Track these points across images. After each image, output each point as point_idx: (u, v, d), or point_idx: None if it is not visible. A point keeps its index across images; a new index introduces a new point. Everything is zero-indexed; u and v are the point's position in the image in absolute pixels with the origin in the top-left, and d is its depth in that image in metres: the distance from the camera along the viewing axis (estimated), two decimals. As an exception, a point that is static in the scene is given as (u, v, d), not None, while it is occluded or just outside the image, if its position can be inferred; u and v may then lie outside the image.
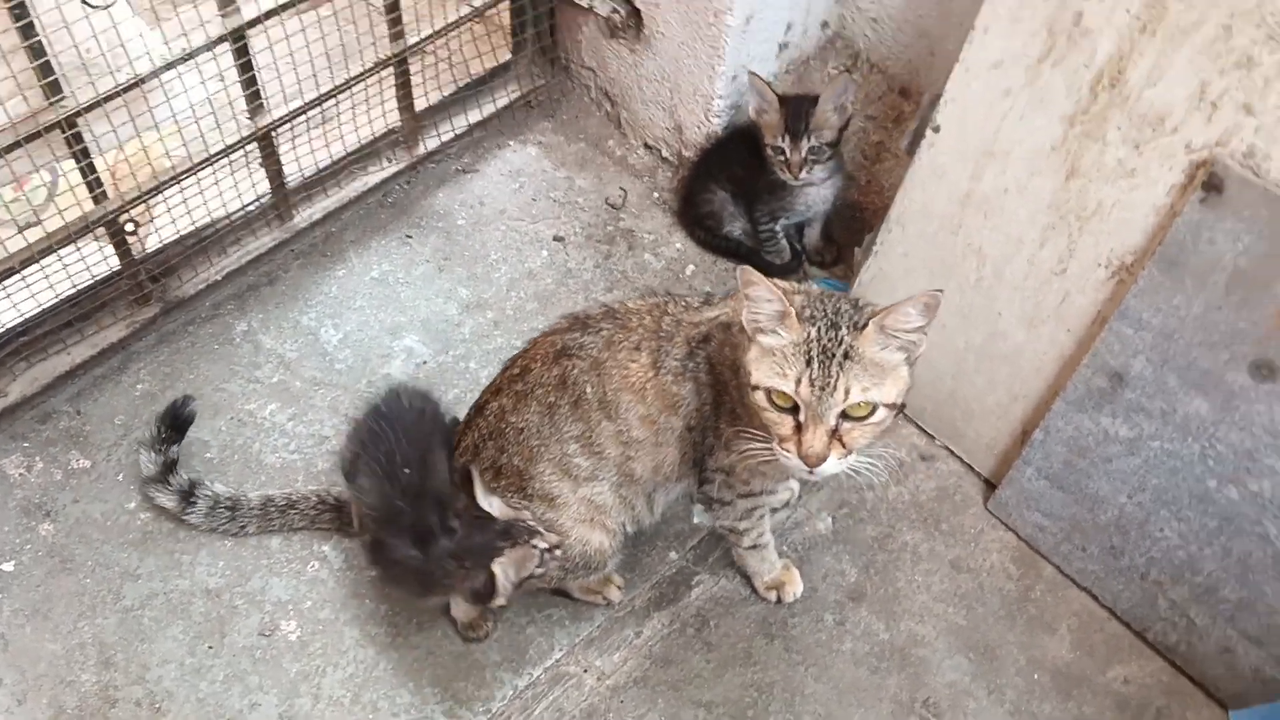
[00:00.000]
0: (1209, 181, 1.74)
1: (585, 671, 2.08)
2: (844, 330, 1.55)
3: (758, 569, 2.13)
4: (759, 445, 1.67)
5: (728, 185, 2.53)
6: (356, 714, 2.01)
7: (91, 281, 2.24)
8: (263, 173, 2.39)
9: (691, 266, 2.62)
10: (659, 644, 2.11)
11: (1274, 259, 1.71)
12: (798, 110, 2.31)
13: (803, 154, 2.36)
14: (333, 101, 2.36)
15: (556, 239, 2.64)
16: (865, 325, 1.55)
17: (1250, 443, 1.85)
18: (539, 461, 1.87)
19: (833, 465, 1.60)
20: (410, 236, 2.64)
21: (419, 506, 1.85)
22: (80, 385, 2.36)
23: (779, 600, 2.15)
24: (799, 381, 1.56)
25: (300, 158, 2.43)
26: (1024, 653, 2.12)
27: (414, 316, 2.51)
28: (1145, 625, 2.12)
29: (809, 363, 1.55)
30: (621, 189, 2.74)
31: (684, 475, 1.91)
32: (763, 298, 1.55)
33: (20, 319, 2.18)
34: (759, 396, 1.60)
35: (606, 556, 1.97)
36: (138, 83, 2.00)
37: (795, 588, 2.15)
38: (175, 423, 2.13)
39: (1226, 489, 1.91)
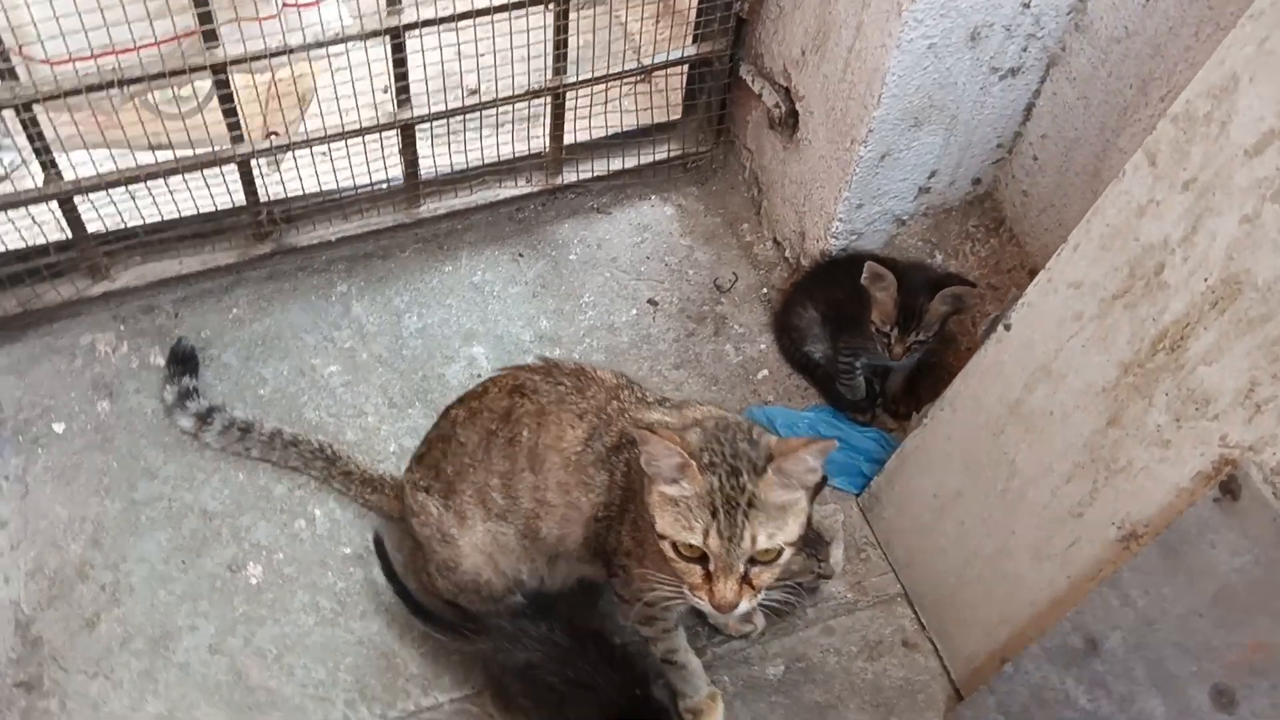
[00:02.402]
0: (1227, 483, 1.58)
1: (490, 716, 2.13)
2: (745, 477, 1.55)
3: (680, 688, 2.09)
4: (669, 589, 1.68)
5: (822, 306, 2.49)
6: (272, 670, 2.14)
7: (215, 210, 2.46)
8: (399, 158, 2.54)
9: (765, 371, 2.59)
10: (566, 717, 2.13)
11: (1261, 589, 1.54)
12: (911, 305, 2.25)
13: (906, 345, 2.31)
14: (476, 114, 2.48)
15: (650, 302, 2.68)
16: (765, 471, 1.54)
17: (1195, 769, 1.68)
18: (464, 480, 1.93)
19: (743, 607, 1.60)
20: (522, 255, 2.74)
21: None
22: (187, 293, 2.60)
23: None
24: (706, 534, 1.55)
25: (438, 155, 2.56)
26: None
27: (491, 330, 2.61)
28: None
29: (714, 514, 1.54)
30: (734, 274, 2.74)
31: (587, 560, 1.92)
32: (661, 454, 1.55)
33: (142, 221, 2.42)
34: (665, 546, 1.61)
35: (494, 593, 2.01)
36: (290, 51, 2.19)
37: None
38: (179, 358, 2.35)
39: (1161, 805, 1.74)
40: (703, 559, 1.58)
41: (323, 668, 2.15)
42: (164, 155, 2.29)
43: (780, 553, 1.58)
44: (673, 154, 2.85)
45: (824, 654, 2.23)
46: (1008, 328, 2.00)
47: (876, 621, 2.28)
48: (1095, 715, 1.84)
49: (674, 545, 1.59)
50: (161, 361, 2.48)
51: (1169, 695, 1.71)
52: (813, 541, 2.19)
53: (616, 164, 2.78)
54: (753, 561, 1.57)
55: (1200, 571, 1.64)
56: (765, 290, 2.73)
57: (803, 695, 2.18)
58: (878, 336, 2.33)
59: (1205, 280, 1.61)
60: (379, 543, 2.12)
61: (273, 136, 2.51)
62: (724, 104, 2.78)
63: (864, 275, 2.29)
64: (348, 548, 2.28)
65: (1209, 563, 1.62)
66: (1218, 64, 1.50)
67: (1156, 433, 1.72)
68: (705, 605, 1.61)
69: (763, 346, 2.63)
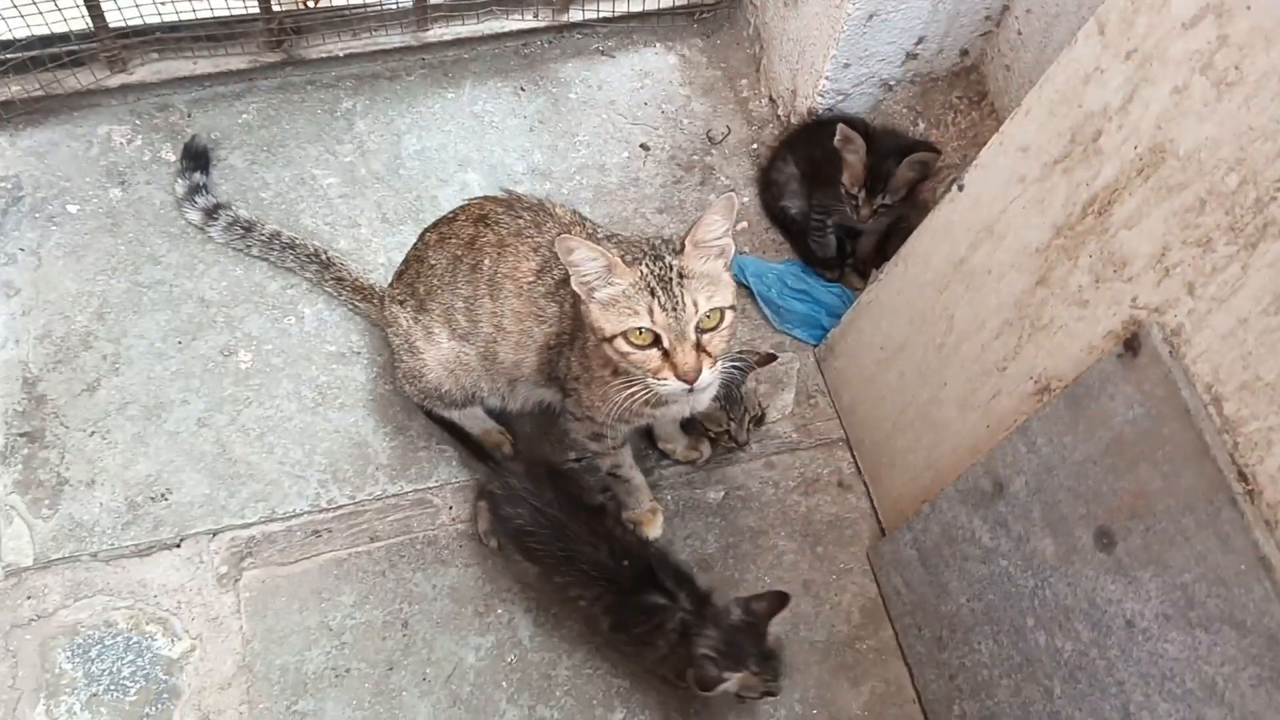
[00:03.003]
0: (1130, 341, 1.70)
1: (448, 509, 2.32)
2: (668, 257, 1.70)
3: (622, 498, 2.27)
4: (633, 389, 1.81)
5: (802, 164, 2.58)
6: (254, 447, 2.33)
7: (230, 15, 2.56)
8: (410, -21, 2.63)
9: (745, 224, 2.69)
10: (515, 517, 2.31)
11: (1148, 440, 1.67)
12: (879, 168, 2.35)
13: (874, 207, 2.40)
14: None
15: (643, 146, 2.77)
16: (683, 246, 1.71)
17: (1071, 600, 1.83)
18: (434, 299, 2.08)
19: (707, 375, 1.75)
20: (523, 90, 2.83)
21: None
22: (200, 94, 2.72)
23: (635, 533, 2.28)
24: (651, 312, 1.69)
25: (449, -21, 2.65)
26: (819, 689, 2.20)
27: (486, 158, 2.72)
28: (936, 721, 2.15)
29: (653, 293, 1.69)
30: (728, 127, 2.82)
31: (542, 385, 2.07)
32: (586, 258, 1.68)
33: (159, 19, 2.53)
34: (619, 344, 1.74)
35: (455, 402, 2.18)
36: None
37: (652, 530, 2.28)
38: (191, 153, 2.48)
39: (1038, 633, 1.91)
40: (656, 341, 1.72)
41: (300, 449, 2.33)
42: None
43: (723, 316, 1.74)
44: (681, 3, 2.90)
45: (762, 485, 2.39)
46: (960, 188, 2.09)
47: (816, 462, 2.43)
48: (995, 552, 1.99)
49: (626, 338, 1.72)
50: (172, 157, 2.61)
51: (1059, 535, 1.86)
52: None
53: (624, 7, 2.84)
54: (700, 331, 1.72)
55: (1098, 422, 1.76)
56: (755, 146, 2.81)
57: (737, 520, 2.35)
58: (846, 198, 2.43)
59: (1135, 148, 1.69)
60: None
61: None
62: (734, -44, 2.83)
63: (836, 138, 2.37)
64: (332, 346, 2.45)
65: (1106, 414, 1.75)
66: (1170, -63, 1.57)
67: (1077, 293, 1.83)
68: (671, 383, 1.73)
69: (745, 200, 2.73)
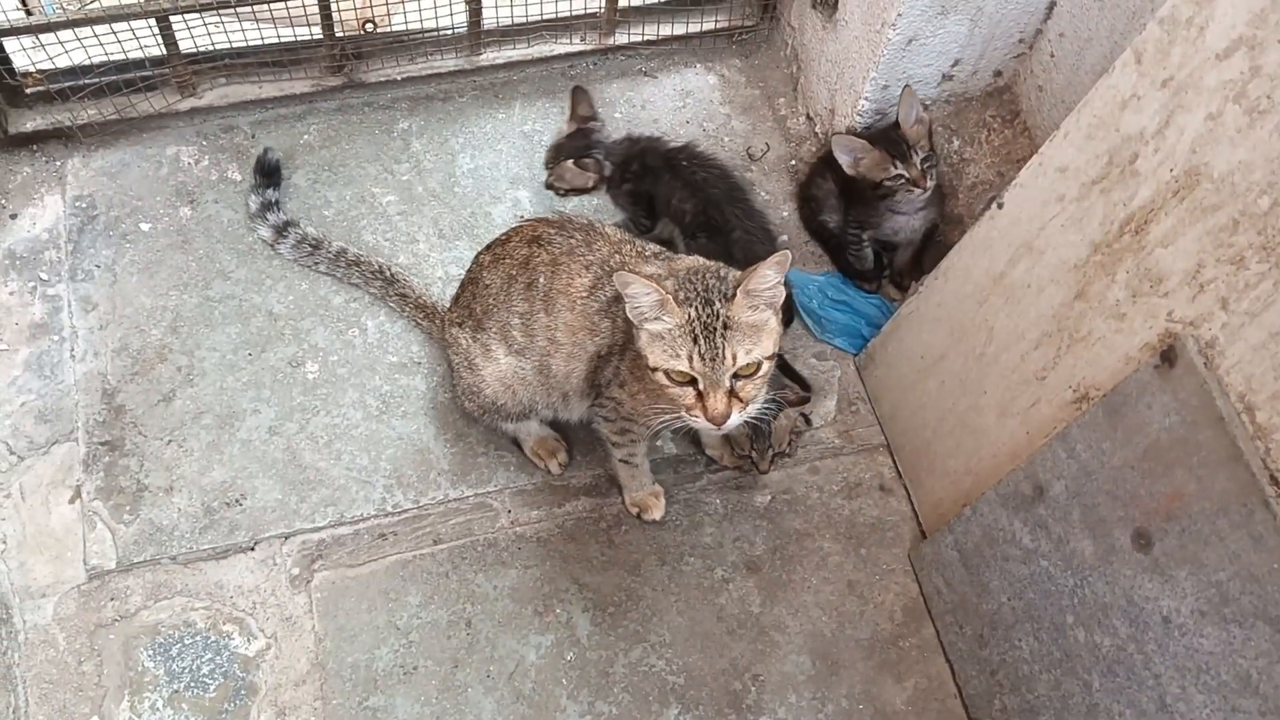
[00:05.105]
0: (1167, 353, 1.80)
1: (507, 512, 2.42)
2: (718, 304, 1.79)
3: (626, 483, 2.39)
4: (669, 416, 1.95)
5: (839, 180, 2.68)
6: (323, 454, 2.44)
7: (295, 40, 2.68)
8: (464, 6, 2.74)
9: (785, 237, 2.80)
10: (572, 522, 2.42)
11: (1184, 446, 1.76)
12: (889, 138, 2.45)
13: (919, 166, 2.50)
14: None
15: (686, 164, 2.88)
16: (734, 295, 1.79)
17: (1109, 598, 1.93)
18: (490, 318, 2.18)
19: (735, 419, 1.86)
20: (571, 109, 2.95)
21: None
22: (264, 116, 2.84)
23: (639, 517, 2.41)
24: (691, 359, 1.81)
25: (500, 7, 2.76)
26: (864, 685, 2.29)
27: (536, 176, 2.81)
28: (977, 716, 2.25)
29: (695, 340, 1.79)
30: (767, 144, 2.93)
31: (587, 394, 2.18)
32: (641, 293, 1.78)
33: (229, 45, 2.65)
34: (659, 377, 1.86)
35: (510, 415, 2.30)
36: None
37: (656, 512, 2.41)
38: (264, 169, 2.59)
39: (1077, 630, 2.00)
40: (692, 381, 1.84)
41: (366, 456, 2.45)
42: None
43: (759, 367, 1.84)
44: (721, 25, 3.02)
45: (808, 490, 2.50)
46: (1000, 205, 2.19)
47: (859, 466, 2.53)
48: (1035, 553, 2.09)
49: (666, 374, 1.85)
50: (239, 176, 2.73)
51: (1098, 537, 1.95)
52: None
53: (667, 30, 2.96)
54: (736, 376, 1.83)
55: (1135, 429, 1.86)
56: (793, 162, 2.92)
57: (784, 522, 2.46)
58: (898, 186, 2.52)
59: (1171, 170, 1.79)
60: None
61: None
62: (773, -20, 2.94)
63: (843, 163, 2.53)
64: (394, 357, 2.56)
65: (1143, 421, 1.85)
66: (1202, -28, 1.66)
67: (1115, 306, 1.93)
68: (701, 421, 1.87)
69: (785, 214, 2.84)
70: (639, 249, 2.10)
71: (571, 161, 2.51)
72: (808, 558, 2.42)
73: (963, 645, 2.28)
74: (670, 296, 1.79)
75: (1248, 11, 1.59)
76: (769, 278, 1.79)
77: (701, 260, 1.98)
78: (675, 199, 2.55)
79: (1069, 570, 2.02)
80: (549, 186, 2.60)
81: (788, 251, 1.77)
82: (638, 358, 1.97)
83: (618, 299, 2.00)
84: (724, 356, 1.79)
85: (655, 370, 1.85)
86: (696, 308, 1.79)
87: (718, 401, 1.83)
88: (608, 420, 2.18)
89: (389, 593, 2.31)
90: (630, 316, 1.85)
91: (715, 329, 1.78)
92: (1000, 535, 2.18)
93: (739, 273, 1.84)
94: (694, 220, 2.53)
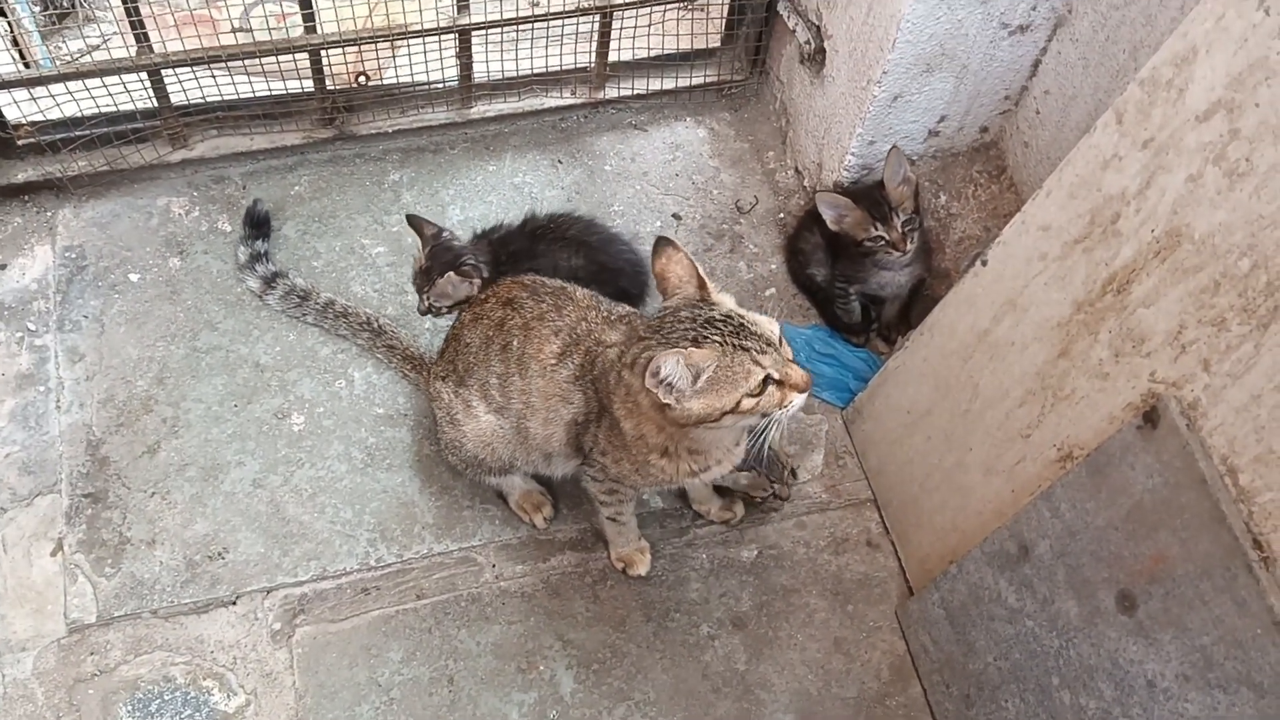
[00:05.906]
0: (1149, 413, 1.79)
1: (491, 566, 2.40)
2: (714, 313, 1.83)
3: (613, 539, 2.38)
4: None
5: (826, 234, 2.69)
6: (307, 507, 2.43)
7: (285, 93, 2.70)
8: (455, 61, 2.76)
9: (773, 289, 2.81)
10: (557, 577, 2.40)
11: (1167, 508, 1.75)
12: (872, 198, 2.47)
13: (900, 230, 2.50)
14: (529, 26, 2.69)
15: (675, 216, 2.89)
16: (710, 297, 1.88)
17: (1094, 660, 1.91)
18: (471, 375, 2.19)
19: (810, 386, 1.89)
20: (561, 162, 2.96)
21: None
22: (254, 168, 2.86)
23: (624, 572, 2.39)
24: (759, 361, 1.80)
25: (491, 61, 2.78)
26: (850, 745, 2.27)
27: (527, 228, 2.84)
28: (965, 777, 2.22)
29: (744, 350, 1.80)
30: (755, 197, 2.95)
31: (572, 456, 2.17)
32: (674, 371, 1.74)
33: (220, 97, 2.67)
34: (743, 405, 1.81)
35: (491, 470, 2.29)
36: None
37: (642, 568, 2.39)
38: (253, 221, 2.60)
39: (1063, 692, 1.98)
40: (765, 380, 1.81)
41: (350, 509, 2.43)
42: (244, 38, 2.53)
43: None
44: (710, 80, 3.04)
45: (794, 544, 2.48)
46: (984, 263, 2.20)
47: (845, 521, 2.52)
48: (1021, 613, 2.07)
49: (747, 395, 1.81)
50: (229, 227, 2.75)
51: (1083, 597, 1.94)
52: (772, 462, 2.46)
53: (656, 84, 2.98)
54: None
55: (1119, 489, 1.85)
56: (782, 215, 2.93)
57: (770, 578, 2.44)
58: (879, 248, 2.52)
59: (1152, 231, 1.80)
60: None
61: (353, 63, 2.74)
62: (761, 36, 2.96)
63: (827, 219, 2.54)
64: (380, 408, 2.56)
65: (1126, 481, 1.84)
66: (1181, 35, 1.67)
67: (1098, 365, 1.93)
68: (797, 399, 1.85)
69: (773, 266, 2.85)
70: (605, 314, 2.09)
71: (452, 273, 2.38)
72: (794, 614, 2.39)
73: (950, 705, 2.26)
74: (694, 349, 1.77)
75: (1226, 74, 1.60)
76: (693, 267, 1.88)
77: (641, 313, 2.04)
78: (562, 262, 2.51)
79: (1054, 631, 2.00)
80: (428, 311, 2.46)
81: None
82: (614, 427, 1.97)
83: (587, 368, 2.02)
84: (769, 338, 1.83)
85: (732, 411, 1.81)
86: (709, 331, 1.80)
87: (796, 371, 1.84)
88: (595, 480, 2.17)
89: (371, 649, 2.29)
90: (666, 400, 1.79)
91: (740, 327, 1.81)
92: (986, 594, 2.16)
93: (690, 290, 1.89)
94: (588, 272, 2.50)
